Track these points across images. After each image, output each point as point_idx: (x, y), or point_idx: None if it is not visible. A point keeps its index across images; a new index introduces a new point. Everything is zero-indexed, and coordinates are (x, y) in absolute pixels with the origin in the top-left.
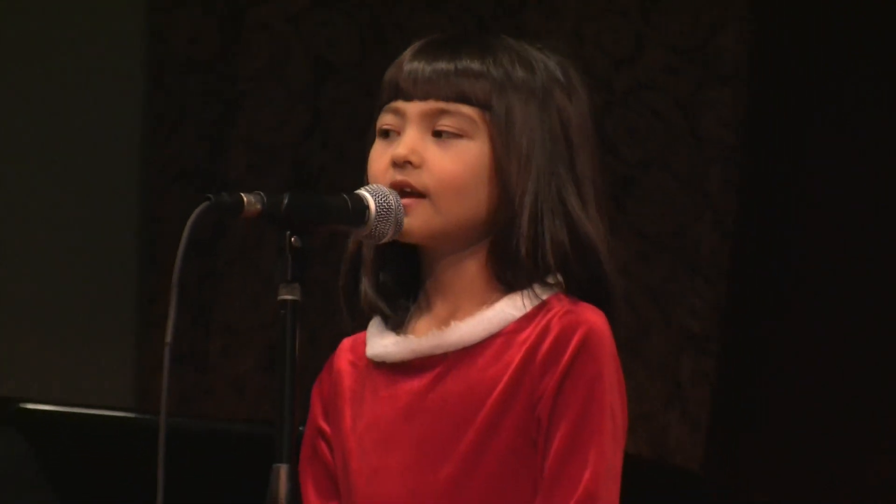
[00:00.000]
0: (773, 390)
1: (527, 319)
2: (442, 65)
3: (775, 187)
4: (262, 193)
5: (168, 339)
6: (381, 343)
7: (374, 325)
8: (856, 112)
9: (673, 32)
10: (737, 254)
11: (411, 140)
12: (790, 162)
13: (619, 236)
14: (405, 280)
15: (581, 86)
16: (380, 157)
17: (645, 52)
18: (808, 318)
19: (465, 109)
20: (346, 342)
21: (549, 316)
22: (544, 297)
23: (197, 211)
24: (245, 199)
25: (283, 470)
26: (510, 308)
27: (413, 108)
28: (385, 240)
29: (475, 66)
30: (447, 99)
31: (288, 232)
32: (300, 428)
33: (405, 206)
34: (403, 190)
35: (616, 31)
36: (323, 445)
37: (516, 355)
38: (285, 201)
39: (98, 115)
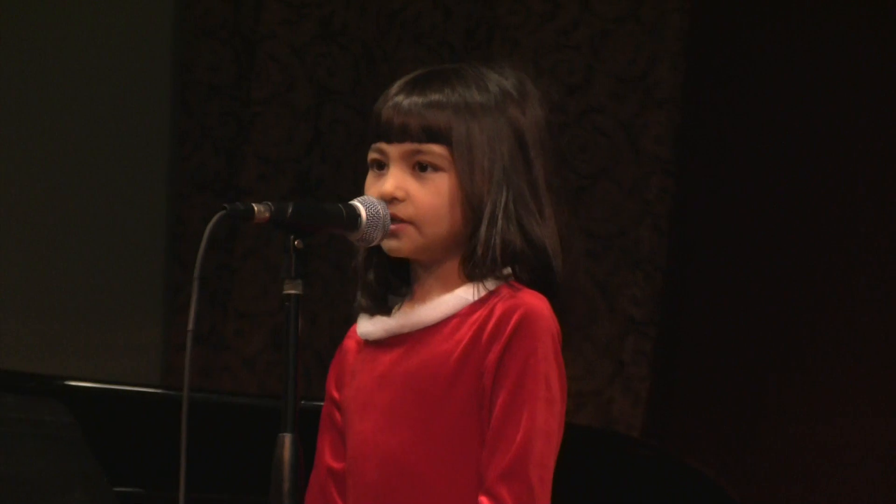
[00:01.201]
0: (701, 367)
1: (479, 304)
2: (414, 99)
3: (703, 195)
4: (270, 203)
5: (190, 325)
6: (364, 325)
7: (362, 316)
8: (769, 130)
9: (618, 64)
10: (671, 251)
11: (396, 179)
12: (715, 173)
13: (575, 237)
14: (390, 282)
15: (536, 98)
16: (372, 185)
17: (594, 81)
18: (731, 305)
19: (436, 148)
20: (355, 326)
21: (495, 299)
22: (494, 286)
23: (215, 217)
24: (256, 208)
25: (287, 438)
26: (465, 294)
27: (394, 149)
28: (374, 243)
29: (437, 96)
30: (420, 141)
31: (292, 235)
32: (302, 401)
33: (394, 231)
34: (393, 219)
35: (570, 63)
36: (335, 412)
37: (467, 334)
38: (290, 210)
39: (133, 133)
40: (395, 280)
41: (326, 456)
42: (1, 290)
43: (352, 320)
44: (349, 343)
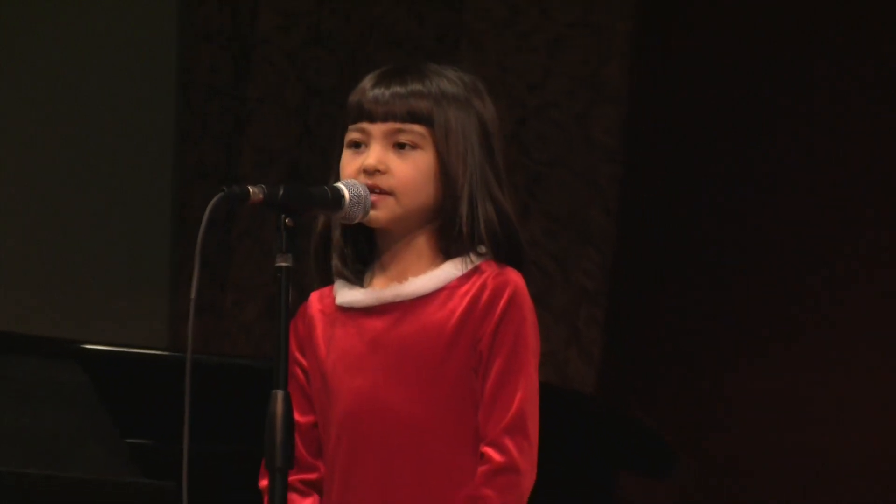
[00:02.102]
0: (645, 331)
1: (465, 278)
2: (396, 88)
3: (647, 180)
4: (263, 186)
5: (193, 295)
6: (350, 294)
7: (339, 283)
8: (707, 122)
9: (571, 65)
10: (619, 230)
11: (377, 153)
12: (658, 161)
13: (533, 217)
14: (362, 253)
15: (487, 94)
16: (350, 163)
17: (550, 79)
18: (670, 276)
19: (416, 128)
20: (315, 295)
21: (483, 276)
22: (477, 262)
23: (214, 199)
24: (251, 190)
25: (280, 394)
26: (453, 269)
27: (377, 128)
28: (356, 221)
29: (418, 87)
30: (403, 121)
31: (283, 215)
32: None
33: (374, 202)
34: (373, 190)
35: (529, 64)
36: (298, 371)
37: (459, 305)
38: (281, 192)
39: (141, 127)
40: (361, 252)
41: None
42: (25, 265)
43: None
44: (310, 309)
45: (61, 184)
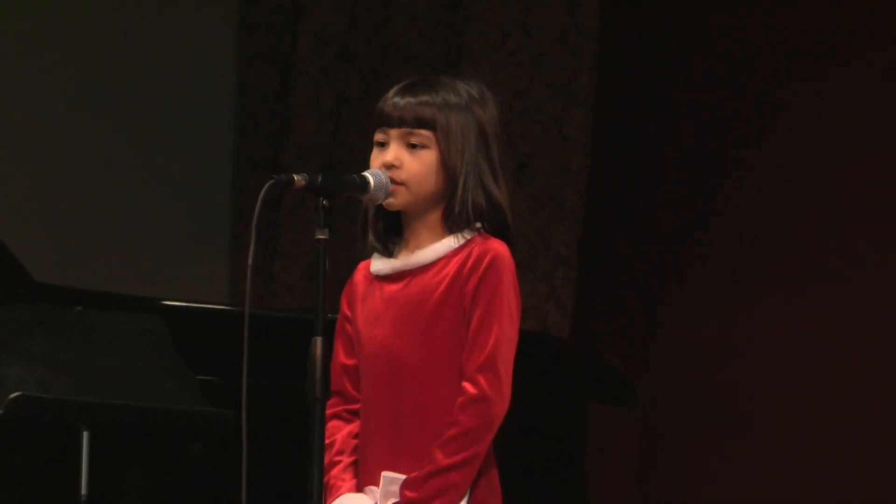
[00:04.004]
0: (611, 289)
1: (460, 249)
2: (408, 99)
3: (612, 169)
4: (305, 174)
5: (249, 261)
6: (378, 264)
7: (375, 256)
8: (664, 122)
9: (550, 76)
10: (588, 208)
11: (394, 152)
12: (621, 153)
13: (520, 199)
14: (392, 230)
15: (492, 102)
16: (375, 158)
17: (533, 88)
18: (631, 244)
19: (423, 132)
20: (361, 265)
21: (472, 246)
22: (470, 236)
23: (266, 185)
24: (295, 177)
25: (318, 340)
26: (450, 242)
27: (394, 132)
28: (378, 202)
29: (425, 98)
30: (412, 126)
31: (321, 197)
32: (329, 315)
33: (393, 191)
34: (392, 181)
35: (516, 75)
36: (347, 324)
37: (451, 270)
38: (319, 179)
39: (208, 128)
40: (393, 230)
41: (340, 355)
42: (116, 237)
43: (358, 260)
44: (357, 277)
45: (146, 175)
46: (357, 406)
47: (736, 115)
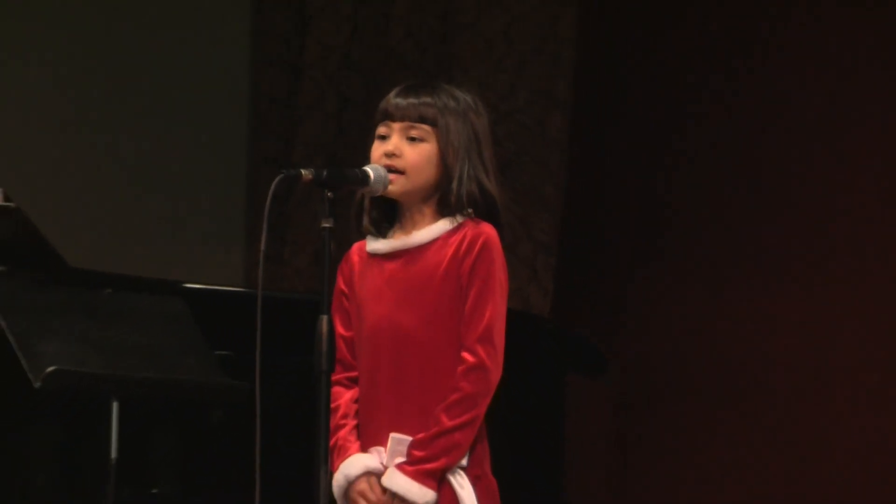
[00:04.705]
0: (587, 272)
1: (454, 231)
2: (411, 100)
3: (587, 165)
4: (312, 169)
5: (262, 247)
6: (375, 244)
7: (370, 238)
8: (634, 124)
9: (532, 81)
10: (566, 201)
11: (396, 143)
12: (596, 151)
13: (504, 193)
14: (387, 216)
15: (484, 109)
16: (377, 149)
17: (516, 92)
18: (605, 233)
19: (424, 126)
20: (355, 245)
21: (466, 230)
22: (462, 220)
23: (277, 178)
24: (303, 172)
25: (324, 318)
26: (444, 225)
27: (397, 125)
28: (378, 194)
29: (428, 100)
30: (414, 121)
31: (326, 190)
32: (334, 296)
33: (392, 180)
34: (391, 170)
35: (501, 81)
36: (344, 300)
37: (448, 251)
38: (324, 173)
39: (224, 128)
40: (386, 216)
41: (339, 327)
42: (142, 226)
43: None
44: (352, 256)
45: (169, 171)
46: (355, 374)
47: (696, 108)
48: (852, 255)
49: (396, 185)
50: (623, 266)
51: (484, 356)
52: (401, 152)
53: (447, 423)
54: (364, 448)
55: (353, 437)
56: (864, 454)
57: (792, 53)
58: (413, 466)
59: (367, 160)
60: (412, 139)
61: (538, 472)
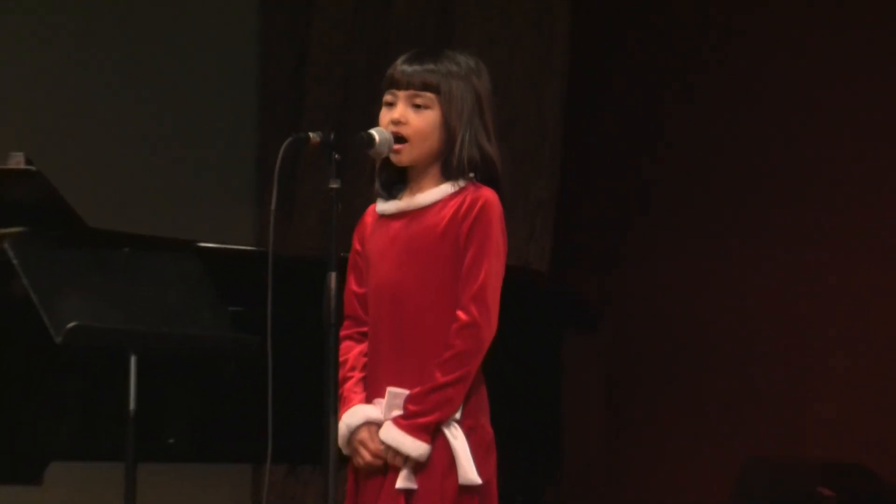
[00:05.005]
0: (583, 230)
1: (455, 194)
2: (416, 67)
3: (581, 133)
4: (320, 132)
5: (272, 207)
6: (383, 206)
7: (380, 200)
8: (622, 99)
9: (528, 52)
10: (563, 163)
11: (401, 110)
12: (590, 118)
13: (504, 157)
14: (395, 180)
15: (486, 73)
16: (384, 116)
17: (513, 63)
18: (597, 194)
19: (428, 94)
20: (370, 208)
21: (466, 193)
22: (464, 184)
23: (286, 142)
24: (311, 136)
25: (332, 275)
26: (447, 188)
27: (402, 93)
28: (383, 156)
29: (431, 66)
30: (418, 89)
31: (333, 152)
32: (342, 254)
33: (398, 150)
34: (397, 138)
35: (499, 52)
36: (358, 258)
37: (448, 213)
38: (332, 136)
39: (239, 98)
40: (395, 180)
41: (352, 284)
42: (162, 189)
43: (366, 206)
44: (366, 217)
45: (185, 137)
46: (366, 328)
47: (684, 77)
48: (839, 222)
49: (403, 155)
50: (615, 224)
51: (476, 314)
52: (406, 120)
53: (440, 378)
54: (369, 399)
55: (358, 389)
56: (849, 414)
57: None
58: (407, 420)
59: (372, 125)
60: (417, 106)
61: (536, 422)
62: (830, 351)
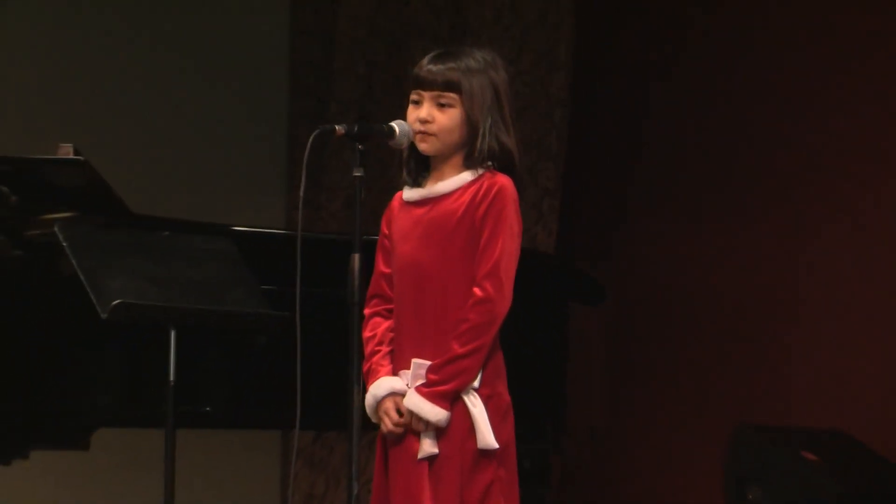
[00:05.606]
0: (586, 214)
1: (473, 182)
2: (438, 67)
3: (587, 119)
4: (345, 124)
5: (301, 193)
6: (408, 193)
7: (406, 187)
8: (620, 84)
9: (536, 45)
10: (568, 152)
11: (427, 109)
12: (595, 105)
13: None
14: (421, 168)
15: (505, 69)
16: (411, 114)
17: (522, 55)
18: (602, 179)
19: (451, 94)
20: (397, 194)
21: (483, 179)
22: (482, 172)
23: (314, 133)
24: (336, 127)
25: (356, 256)
26: (466, 176)
27: (427, 94)
28: (403, 147)
29: (452, 65)
30: (441, 89)
31: (357, 142)
32: (364, 236)
33: (427, 139)
34: (423, 133)
35: (508, 46)
36: (385, 240)
37: (466, 199)
38: (356, 127)
39: (270, 90)
40: (421, 168)
41: (380, 265)
42: (196, 177)
43: (393, 191)
44: (394, 203)
45: (220, 128)
46: (392, 305)
47: (677, 67)
48: (833, 184)
49: (429, 146)
50: (618, 208)
51: (491, 290)
52: (432, 118)
53: (457, 349)
54: (395, 370)
55: (385, 362)
56: (831, 384)
57: None
58: (428, 388)
59: (392, 116)
60: (441, 105)
61: (544, 389)
62: (815, 326)
